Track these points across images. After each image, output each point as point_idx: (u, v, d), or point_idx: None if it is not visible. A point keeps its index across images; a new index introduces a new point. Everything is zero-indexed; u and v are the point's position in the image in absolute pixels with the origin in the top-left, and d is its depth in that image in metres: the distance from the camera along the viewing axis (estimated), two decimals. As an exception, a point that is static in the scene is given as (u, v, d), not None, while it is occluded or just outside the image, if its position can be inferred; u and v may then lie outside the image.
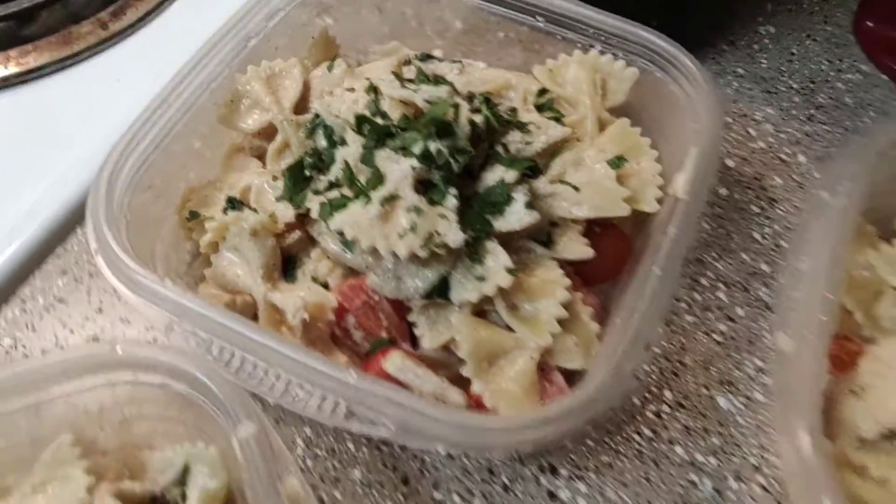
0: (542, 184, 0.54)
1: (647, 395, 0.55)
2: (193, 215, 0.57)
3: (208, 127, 0.60)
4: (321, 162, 0.56)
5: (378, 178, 0.50)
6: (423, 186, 0.51)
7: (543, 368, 0.50)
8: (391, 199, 0.49)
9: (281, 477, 0.42)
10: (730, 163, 0.66)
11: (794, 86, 0.72)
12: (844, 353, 0.51)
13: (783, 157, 0.67)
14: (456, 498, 0.51)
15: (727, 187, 0.65)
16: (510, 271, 0.49)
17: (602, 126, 0.60)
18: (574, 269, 0.54)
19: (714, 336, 0.58)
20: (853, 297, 0.53)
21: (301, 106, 0.60)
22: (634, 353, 0.46)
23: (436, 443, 0.43)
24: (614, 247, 0.56)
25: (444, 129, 0.52)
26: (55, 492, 0.46)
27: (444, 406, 0.46)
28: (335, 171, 0.54)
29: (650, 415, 0.54)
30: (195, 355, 0.46)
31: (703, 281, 0.60)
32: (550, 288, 0.51)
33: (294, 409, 0.44)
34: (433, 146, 0.51)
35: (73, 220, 0.62)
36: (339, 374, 0.44)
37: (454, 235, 0.49)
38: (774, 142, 0.68)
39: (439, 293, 0.50)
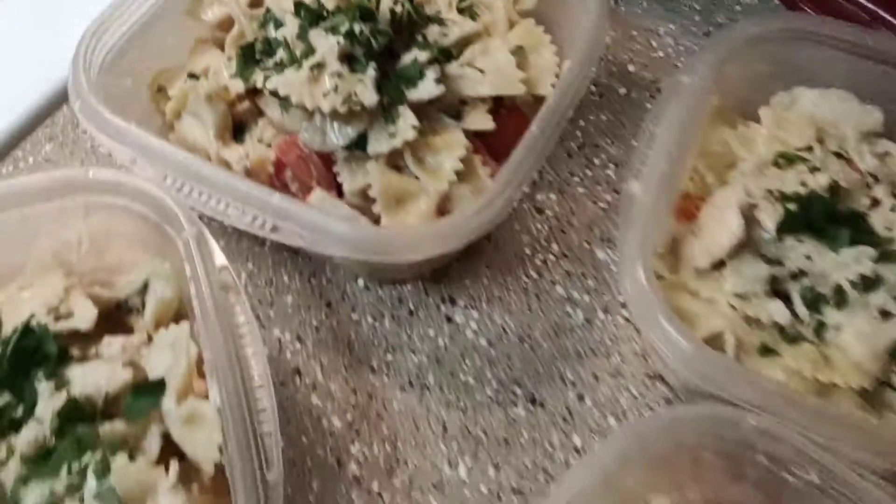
0: (453, 67, 0.65)
1: (536, 246, 0.66)
2: (161, 89, 0.67)
3: (178, 22, 0.70)
4: (270, 48, 0.66)
5: (310, 50, 0.61)
6: (349, 61, 0.62)
7: (444, 211, 0.61)
8: (319, 67, 0.60)
9: (216, 271, 0.52)
10: (631, 68, 0.77)
11: (697, 7, 0.82)
12: (693, 207, 0.61)
13: (678, 64, 0.77)
14: (369, 318, 0.62)
15: (626, 87, 0.75)
16: (416, 128, 0.60)
17: (512, 26, 0.70)
18: (482, 143, 0.65)
19: (600, 204, 0.68)
20: (708, 166, 0.63)
21: (256, 2, 0.70)
22: (509, 192, 0.56)
23: (342, 251, 0.53)
24: (516, 126, 0.66)
25: (367, 14, 0.62)
26: (37, 290, 0.56)
27: (350, 221, 0.56)
28: (280, 54, 0.64)
29: (538, 262, 0.65)
30: (154, 182, 0.56)
31: (597, 161, 0.71)
32: (452, 146, 0.61)
33: (231, 224, 0.55)
34: (357, 27, 0.61)
35: (61, 98, 0.73)
36: (265, 195, 0.54)
37: (369, 96, 0.59)
38: (673, 52, 0.78)
39: (358, 146, 0.61)
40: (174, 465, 0.47)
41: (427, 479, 0.56)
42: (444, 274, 0.64)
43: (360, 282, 0.64)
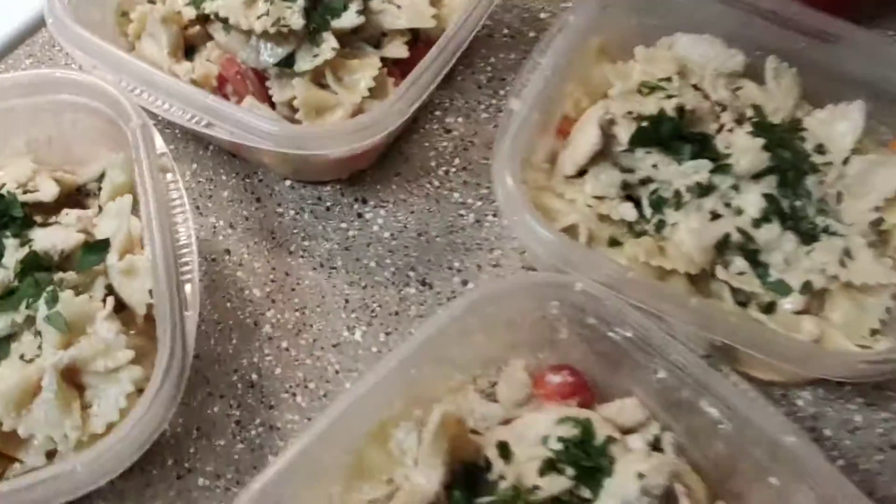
0: (375, 3, 0.75)
1: (441, 160, 0.76)
2: (125, 14, 0.78)
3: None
4: (219, -18, 0.77)
5: (248, -18, 0.72)
6: (283, -7, 0.72)
7: (358, 122, 0.72)
8: (255, -5, 0.71)
9: (156, 155, 0.63)
10: (542, 15, 0.87)
11: (608, -35, 0.92)
12: (571, 128, 0.72)
13: (585, 14, 0.87)
14: (291, 212, 0.73)
15: (536, 32, 0.86)
16: (335, 50, 0.71)
17: (430, -30, 0.81)
18: (399, 70, 0.75)
19: (500, 128, 0.79)
20: (587, 94, 0.74)
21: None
22: (408, 97, 0.67)
23: (265, 144, 0.64)
24: (431, 57, 0.77)
25: (300, -48, 0.73)
26: (9, 171, 0.67)
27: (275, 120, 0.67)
28: (226, -12, 0.75)
29: (441, 173, 0.76)
30: (110, 82, 0.67)
31: (502, 92, 0.81)
32: (367, 68, 0.72)
33: (173, 120, 0.66)
34: (289, -38, 0.72)
35: (40, 22, 0.83)
36: (202, 96, 0.65)
37: (296, 21, 0.70)
38: (581, 4, 0.88)
39: (287, 64, 0.71)
40: (111, 299, 0.59)
41: (328, 341, 0.67)
42: (360, 179, 0.75)
43: (287, 182, 0.75)
